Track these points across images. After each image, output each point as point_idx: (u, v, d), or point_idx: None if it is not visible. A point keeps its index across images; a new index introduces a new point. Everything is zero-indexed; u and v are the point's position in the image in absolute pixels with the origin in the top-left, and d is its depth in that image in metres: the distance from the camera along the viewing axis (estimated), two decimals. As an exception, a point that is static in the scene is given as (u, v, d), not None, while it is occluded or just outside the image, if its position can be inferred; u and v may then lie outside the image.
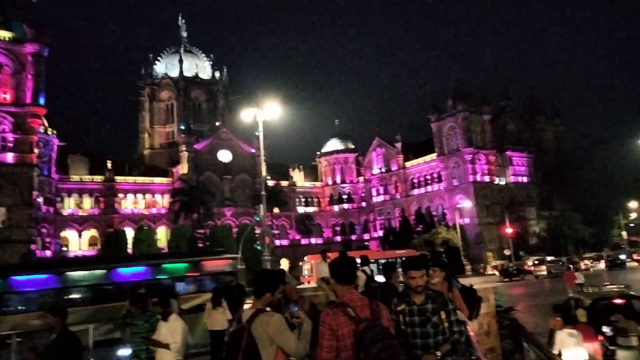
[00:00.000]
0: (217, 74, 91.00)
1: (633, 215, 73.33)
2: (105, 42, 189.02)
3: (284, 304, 4.63)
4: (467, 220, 64.62)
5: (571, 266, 32.36)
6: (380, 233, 73.18)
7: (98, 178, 68.03)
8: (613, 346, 8.75)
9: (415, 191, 74.82)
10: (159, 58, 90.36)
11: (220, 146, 74.41)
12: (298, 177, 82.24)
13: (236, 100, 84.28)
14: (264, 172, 38.67)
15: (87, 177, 68.07)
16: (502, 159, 71.12)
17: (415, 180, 75.36)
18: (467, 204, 64.88)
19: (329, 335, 3.10)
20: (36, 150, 55.78)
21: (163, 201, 71.62)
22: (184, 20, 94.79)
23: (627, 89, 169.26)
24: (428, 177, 73.47)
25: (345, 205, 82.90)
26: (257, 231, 56.58)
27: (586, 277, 23.64)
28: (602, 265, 46.68)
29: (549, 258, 49.46)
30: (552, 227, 63.60)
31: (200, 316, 11.19)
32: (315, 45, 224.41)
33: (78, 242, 65.38)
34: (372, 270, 8.77)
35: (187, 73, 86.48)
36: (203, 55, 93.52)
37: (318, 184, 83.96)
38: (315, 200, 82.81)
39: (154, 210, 70.82)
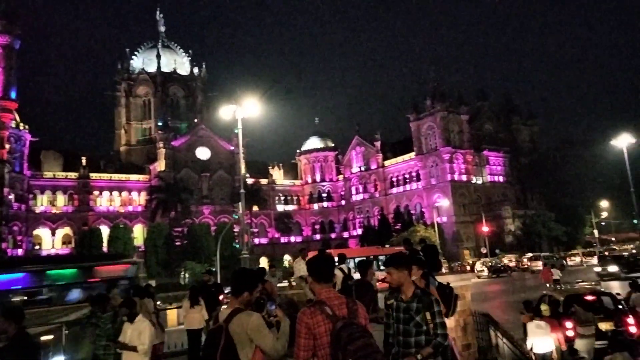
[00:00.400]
0: (196, 70, 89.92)
1: (604, 214, 75.45)
2: (80, 35, 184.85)
3: (266, 301, 4.61)
4: (444, 219, 65.49)
5: (547, 263, 33.22)
6: (360, 231, 73.55)
7: (72, 175, 66.54)
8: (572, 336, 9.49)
9: (394, 190, 75.44)
10: (135, 53, 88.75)
11: (198, 143, 73.62)
12: (277, 175, 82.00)
13: (215, 97, 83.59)
14: (243, 170, 38.47)
15: (61, 174, 66.51)
16: (479, 159, 72.31)
17: (394, 179, 75.98)
18: (444, 202, 65.76)
19: (306, 334, 3.09)
20: (7, 146, 54.33)
21: (139, 199, 70.51)
22: (161, 15, 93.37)
23: (600, 91, 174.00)
24: (407, 175, 74.16)
25: (325, 204, 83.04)
26: (236, 229, 56.51)
27: (564, 273, 24.38)
28: (594, 260, 48.11)
29: (543, 254, 50.77)
30: (527, 226, 64.96)
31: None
32: (295, 43, 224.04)
33: (51, 241, 63.89)
34: (349, 269, 8.80)
35: (165, 68, 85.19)
36: (181, 50, 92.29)
37: (298, 182, 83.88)
38: (295, 198, 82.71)
39: (130, 208, 69.66)
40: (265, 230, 76.63)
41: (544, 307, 10.12)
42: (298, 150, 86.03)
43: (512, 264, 47.96)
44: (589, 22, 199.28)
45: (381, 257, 33.52)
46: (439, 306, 4.08)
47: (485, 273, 44.07)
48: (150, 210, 62.44)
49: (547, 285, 22.26)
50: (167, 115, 78.66)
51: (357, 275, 8.90)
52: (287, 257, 68.63)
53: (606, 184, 68.90)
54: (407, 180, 73.89)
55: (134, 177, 71.91)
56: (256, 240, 70.27)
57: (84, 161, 66.52)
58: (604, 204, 72.82)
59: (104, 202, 68.75)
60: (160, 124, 76.00)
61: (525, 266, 46.54)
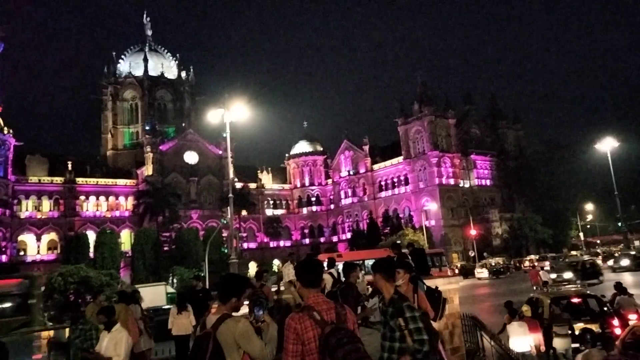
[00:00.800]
0: (184, 74, 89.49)
1: (589, 217, 76.54)
2: (66, 38, 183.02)
3: (265, 304, 4.60)
4: (432, 223, 65.83)
5: (535, 265, 33.58)
6: (349, 235, 73.61)
7: (58, 179, 65.61)
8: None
9: (383, 194, 75.68)
10: (122, 56, 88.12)
11: (186, 147, 73.14)
12: (266, 179, 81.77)
13: (203, 101, 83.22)
14: (231, 174, 38.32)
15: (46, 179, 65.54)
16: (467, 162, 72.89)
17: (383, 183, 76.24)
18: (433, 206, 66.12)
19: (294, 340, 3.08)
20: (-10, 150, 53.38)
21: (127, 204, 69.77)
22: (148, 19, 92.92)
23: (584, 96, 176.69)
24: (395, 179, 74.47)
25: (314, 208, 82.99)
26: (225, 234, 56.11)
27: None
28: (599, 260, 48.82)
29: (550, 255, 51.34)
30: (514, 229, 65.59)
31: None
32: (284, 47, 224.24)
33: (36, 246, 62.88)
34: (339, 273, 8.80)
35: (152, 72, 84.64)
36: (169, 54, 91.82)
37: (286, 186, 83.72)
38: (284, 202, 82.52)
39: (117, 213, 68.88)
40: (254, 234, 76.29)
41: (524, 308, 10.68)
42: (287, 155, 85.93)
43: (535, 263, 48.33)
44: (574, 28, 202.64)
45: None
46: (413, 311, 3.92)
47: (486, 274, 44.49)
48: (138, 215, 61.80)
49: (534, 287, 22.49)
50: (154, 120, 78.06)
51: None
52: (276, 262, 68.34)
53: (591, 187, 69.91)
54: (396, 184, 74.20)
55: (121, 181, 71.16)
56: (245, 245, 69.92)
57: (69, 166, 65.60)
58: (590, 207, 73.91)
59: (91, 207, 67.90)
60: (147, 128, 75.39)
61: (531, 267, 46.84)
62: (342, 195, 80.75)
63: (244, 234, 71.35)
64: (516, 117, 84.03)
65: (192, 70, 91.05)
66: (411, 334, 3.82)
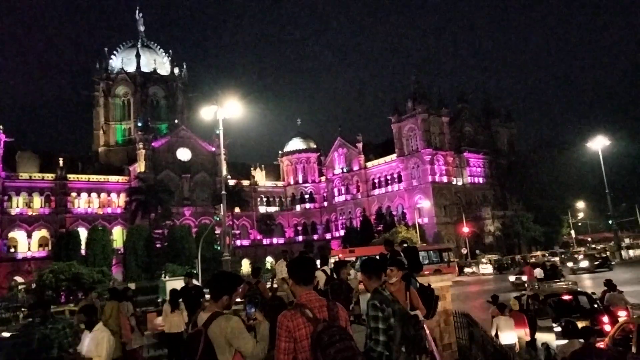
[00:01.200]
0: (177, 70, 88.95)
1: (581, 215, 77.17)
2: (58, 33, 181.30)
3: (258, 302, 4.59)
4: (426, 220, 66.06)
5: (529, 262, 33.72)
6: (342, 232, 73.71)
7: (49, 176, 65.07)
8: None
9: (376, 191, 75.82)
10: (114, 52, 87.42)
11: (179, 144, 72.82)
12: (259, 176, 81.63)
13: (196, 98, 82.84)
14: (224, 171, 38.22)
15: (37, 175, 64.99)
16: (460, 160, 73.15)
17: (376, 180, 76.37)
18: (426, 203, 66.35)
19: (286, 337, 3.07)
20: (-19, 147, 52.83)
21: (119, 200, 69.38)
22: (141, 14, 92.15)
23: (576, 95, 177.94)
24: (388, 177, 74.62)
25: (307, 205, 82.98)
26: (218, 231, 56.06)
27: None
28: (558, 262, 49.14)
29: (560, 250, 51.70)
30: (506, 226, 65.98)
31: None
32: (278, 44, 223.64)
33: (27, 243, 62.36)
34: (332, 270, 8.80)
35: (145, 68, 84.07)
36: (161, 50, 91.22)
37: (280, 183, 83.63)
38: (277, 199, 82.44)
39: (109, 210, 68.47)
40: (247, 232, 76.17)
41: (512, 302, 11.02)
42: (280, 152, 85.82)
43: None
44: (567, 27, 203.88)
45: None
46: (376, 310, 3.85)
47: (490, 270, 44.71)
48: (130, 212, 61.49)
49: (525, 285, 22.67)
50: (146, 116, 77.55)
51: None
52: (269, 259, 68.34)
53: (583, 185, 70.48)
54: (389, 182, 74.35)
55: (113, 178, 70.73)
56: (238, 242, 69.83)
57: (61, 162, 65.07)
58: (581, 205, 74.53)
59: (82, 203, 67.44)
60: (139, 124, 74.90)
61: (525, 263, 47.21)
62: (336, 193, 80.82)
63: (237, 231, 71.25)
64: (509, 116, 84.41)
65: (185, 66, 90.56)
66: (372, 334, 3.80)
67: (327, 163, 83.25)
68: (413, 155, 70.24)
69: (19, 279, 55.49)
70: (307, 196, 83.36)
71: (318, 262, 9.31)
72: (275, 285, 13.30)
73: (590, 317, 10.38)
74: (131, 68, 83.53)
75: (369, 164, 77.02)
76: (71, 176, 66.34)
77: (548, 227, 67.95)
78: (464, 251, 60.03)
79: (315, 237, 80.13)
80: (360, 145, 77.91)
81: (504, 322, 9.74)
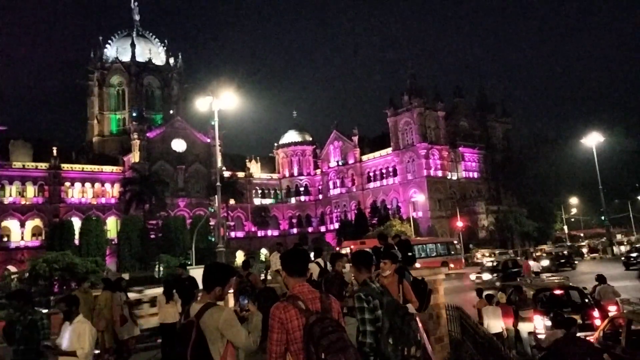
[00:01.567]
0: (172, 61, 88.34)
1: (574, 211, 77.66)
2: (53, 22, 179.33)
3: (251, 293, 4.59)
4: (420, 214, 66.26)
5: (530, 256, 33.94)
6: (337, 225, 73.85)
7: (43, 165, 64.69)
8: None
9: (371, 184, 75.92)
10: (109, 41, 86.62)
11: (174, 135, 72.49)
12: (255, 168, 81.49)
13: (191, 88, 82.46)
14: (219, 163, 38.11)
15: (31, 164, 64.59)
16: (455, 155, 73.30)
17: (372, 174, 76.45)
18: (420, 197, 66.52)
19: (278, 329, 3.08)
20: (-27, 135, 52.36)
21: (113, 191, 69.13)
22: (136, 3, 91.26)
23: (571, 91, 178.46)
24: (384, 170, 74.71)
25: (302, 198, 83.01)
26: (212, 223, 55.94)
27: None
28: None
29: (567, 244, 51.89)
30: (500, 221, 66.30)
31: None
32: (274, 36, 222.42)
33: (20, 232, 62.13)
34: (325, 262, 8.82)
35: (140, 58, 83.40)
36: (157, 40, 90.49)
37: (275, 175, 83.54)
38: (272, 192, 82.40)
39: (103, 200, 68.26)
40: (241, 223, 76.15)
41: (500, 295, 11.80)
42: (276, 144, 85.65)
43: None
44: (563, 24, 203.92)
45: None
46: (361, 302, 3.90)
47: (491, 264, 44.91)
48: (124, 202, 61.23)
49: (518, 278, 22.80)
50: (141, 106, 77.12)
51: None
52: (263, 251, 68.43)
53: (576, 181, 70.84)
54: (384, 175, 74.45)
55: (107, 168, 70.42)
56: (232, 234, 69.77)
57: (55, 151, 64.68)
58: (574, 200, 74.97)
59: (76, 193, 67.16)
60: (134, 114, 74.50)
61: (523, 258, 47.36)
62: (331, 186, 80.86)
63: (232, 223, 71.19)
64: (504, 111, 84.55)
65: (180, 57, 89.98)
66: (361, 324, 3.82)
67: (322, 156, 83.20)
68: (408, 149, 70.31)
69: (11, 268, 55.25)
70: (302, 189, 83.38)
71: (312, 254, 9.32)
72: (269, 277, 13.33)
73: (582, 311, 10.49)
74: (126, 57, 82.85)
75: (365, 158, 77.06)
76: (65, 166, 65.99)
77: (541, 222, 68.35)
78: (458, 245, 60.30)
79: (310, 229, 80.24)
80: (356, 138, 77.87)
81: (491, 312, 10.34)
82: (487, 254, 49.12)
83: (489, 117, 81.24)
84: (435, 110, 71.54)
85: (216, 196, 22.78)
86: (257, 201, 78.86)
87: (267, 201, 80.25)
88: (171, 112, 77.33)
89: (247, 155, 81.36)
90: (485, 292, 12.14)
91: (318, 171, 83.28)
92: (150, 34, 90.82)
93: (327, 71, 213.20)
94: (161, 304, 10.47)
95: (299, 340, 3.05)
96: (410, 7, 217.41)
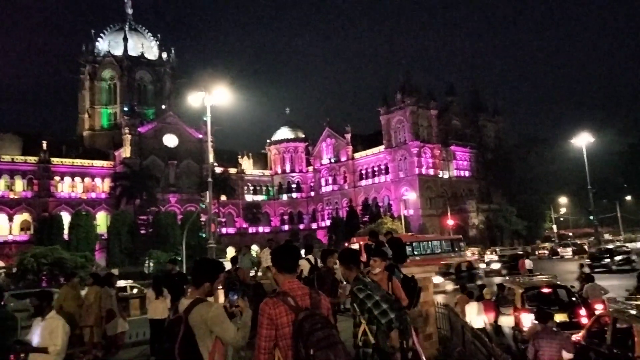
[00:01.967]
0: (165, 55, 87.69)
1: (563, 210, 78.45)
2: (44, 14, 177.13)
3: (240, 289, 4.59)
4: (411, 212, 66.53)
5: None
6: (328, 222, 73.93)
7: (32, 159, 64.02)
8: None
9: (363, 182, 76.07)
10: (101, 35, 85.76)
11: (166, 130, 72.05)
12: (247, 164, 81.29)
13: (184, 84, 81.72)
14: (211, 159, 37.95)
15: (20, 158, 63.91)
16: (447, 154, 73.66)
17: (364, 172, 76.59)
18: (412, 195, 66.77)
19: (267, 324, 3.08)
20: (-39, 127, 51.66)
21: (103, 185, 68.63)
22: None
23: (562, 92, 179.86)
24: (376, 168, 74.87)
25: (294, 195, 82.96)
26: (203, 219, 55.74)
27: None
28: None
29: (572, 242, 52.46)
30: (490, 220, 66.76)
31: None
32: (267, 33, 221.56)
33: (9, 227, 61.49)
34: (316, 259, 8.82)
35: (132, 52, 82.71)
36: (149, 34, 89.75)
37: (267, 172, 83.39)
38: (264, 188, 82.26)
39: (93, 195, 67.71)
40: (233, 220, 75.97)
41: (485, 291, 12.12)
42: (268, 140, 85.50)
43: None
44: (555, 26, 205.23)
45: (415, 244, 35.51)
46: (364, 292, 3.98)
47: (495, 260, 45.51)
48: (115, 197, 60.89)
49: (507, 277, 23.05)
50: (133, 101, 76.51)
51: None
52: (254, 248, 68.29)
53: (566, 181, 71.51)
54: (376, 173, 74.63)
55: (97, 163, 69.84)
56: (224, 230, 69.63)
57: (44, 145, 64.03)
58: (563, 200, 75.72)
59: (66, 188, 66.55)
60: (126, 109, 73.91)
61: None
62: (323, 183, 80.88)
63: (223, 219, 71.01)
64: (496, 110, 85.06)
65: (173, 51, 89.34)
66: (371, 312, 3.87)
67: (314, 153, 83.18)
68: (401, 148, 70.51)
69: (-1, 262, 54.78)
70: (294, 186, 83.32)
71: (303, 251, 9.32)
72: (259, 274, 13.32)
73: (569, 309, 10.59)
74: (118, 51, 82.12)
75: (357, 155, 77.15)
76: (55, 160, 65.36)
77: (531, 221, 68.96)
78: (463, 243, 60.53)
79: (301, 226, 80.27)
80: (348, 136, 77.93)
81: (474, 308, 10.68)
82: (490, 251, 49.89)
83: (481, 117, 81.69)
84: (428, 108, 71.78)
85: (207, 192, 22.69)
86: (249, 197, 78.70)
87: (259, 198, 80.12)
88: (163, 107, 76.78)
89: (239, 151, 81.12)
90: (468, 289, 12.71)
91: (310, 168, 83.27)
92: (143, 28, 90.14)
93: (321, 68, 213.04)
94: (150, 300, 10.43)
95: (288, 337, 3.05)
96: (404, 6, 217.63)
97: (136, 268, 49.47)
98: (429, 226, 66.66)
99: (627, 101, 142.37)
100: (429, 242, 38.81)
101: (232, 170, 75.49)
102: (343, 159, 78.53)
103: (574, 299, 11.08)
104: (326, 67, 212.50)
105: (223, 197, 67.59)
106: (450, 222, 61.06)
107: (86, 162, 68.85)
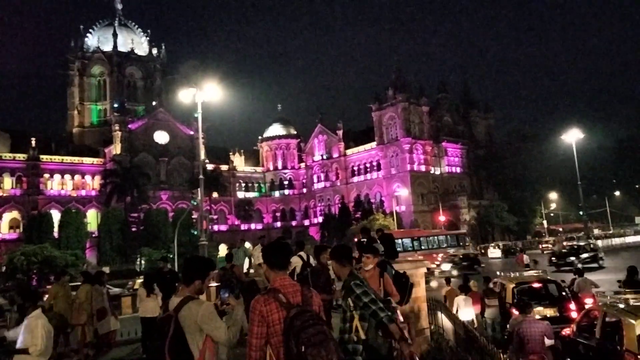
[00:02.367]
0: (155, 51, 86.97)
1: (553, 206, 79.18)
2: (32, 9, 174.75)
3: (233, 286, 4.56)
4: (403, 208, 66.76)
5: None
6: (320, 219, 73.99)
7: (21, 156, 63.30)
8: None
9: (355, 178, 76.16)
10: (90, 30, 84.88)
11: (156, 127, 71.54)
12: (238, 161, 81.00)
13: (174, 80, 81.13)
14: (202, 155, 37.76)
15: (8, 155, 63.15)
16: (438, 150, 73.95)
17: (355, 168, 76.68)
18: (403, 192, 67.00)
19: (259, 322, 3.07)
20: (-53, 124, 50.91)
21: (93, 183, 68.07)
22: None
23: (552, 88, 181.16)
24: (368, 165, 74.99)
25: (286, 191, 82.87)
26: (195, 216, 55.50)
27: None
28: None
29: (577, 235, 52.92)
30: (481, 215, 67.21)
31: None
32: (259, 29, 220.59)
33: (-3, 225, 60.79)
34: (308, 256, 8.81)
35: (122, 48, 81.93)
36: (139, 30, 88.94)
37: (259, 169, 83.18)
38: (256, 185, 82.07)
39: (83, 192, 67.14)
40: (225, 217, 75.73)
41: (472, 284, 12.33)
42: (260, 137, 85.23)
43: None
44: (544, 20, 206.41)
45: (422, 238, 37.36)
46: (361, 288, 3.96)
47: (498, 254, 46.22)
48: (105, 195, 60.39)
49: (504, 272, 23.19)
50: (123, 97, 75.84)
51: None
52: (247, 245, 68.16)
53: (556, 176, 72.12)
54: (368, 170, 74.76)
55: (87, 160, 69.24)
56: (215, 227, 69.38)
57: (33, 142, 63.33)
58: (553, 195, 76.40)
59: (55, 185, 65.89)
60: (116, 105, 73.26)
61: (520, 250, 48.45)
62: (315, 180, 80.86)
63: (215, 216, 70.74)
64: (487, 107, 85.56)
65: (163, 47, 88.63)
66: (368, 308, 3.86)
67: (306, 149, 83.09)
68: (392, 144, 70.67)
69: (-12, 261, 54.19)
70: (286, 182, 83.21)
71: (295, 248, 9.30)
72: (251, 271, 13.30)
73: (559, 304, 10.69)
74: (108, 47, 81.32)
75: (349, 152, 77.21)
76: (44, 157, 64.68)
77: (521, 217, 69.51)
78: (467, 237, 60.92)
79: (294, 223, 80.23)
80: (340, 132, 77.94)
81: (464, 301, 10.77)
82: (494, 245, 50.98)
83: (472, 113, 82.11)
84: (420, 105, 71.97)
85: (199, 189, 22.58)
86: (241, 194, 78.47)
87: (251, 194, 79.92)
88: (154, 103, 76.20)
89: (230, 148, 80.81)
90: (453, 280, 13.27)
91: (302, 165, 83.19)
92: (133, 23, 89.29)
93: (313, 65, 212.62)
94: (142, 298, 10.36)
95: (279, 333, 3.04)
96: (395, 3, 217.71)
97: (127, 266, 49.21)
98: (421, 222, 66.97)
99: (617, 98, 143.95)
100: (436, 237, 40.08)
101: (224, 167, 75.20)
102: (335, 155, 78.55)
103: (564, 293, 11.19)
104: (318, 64, 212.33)
105: (215, 194, 67.34)
106: (441, 218, 61.40)
107: (76, 159, 68.23)
